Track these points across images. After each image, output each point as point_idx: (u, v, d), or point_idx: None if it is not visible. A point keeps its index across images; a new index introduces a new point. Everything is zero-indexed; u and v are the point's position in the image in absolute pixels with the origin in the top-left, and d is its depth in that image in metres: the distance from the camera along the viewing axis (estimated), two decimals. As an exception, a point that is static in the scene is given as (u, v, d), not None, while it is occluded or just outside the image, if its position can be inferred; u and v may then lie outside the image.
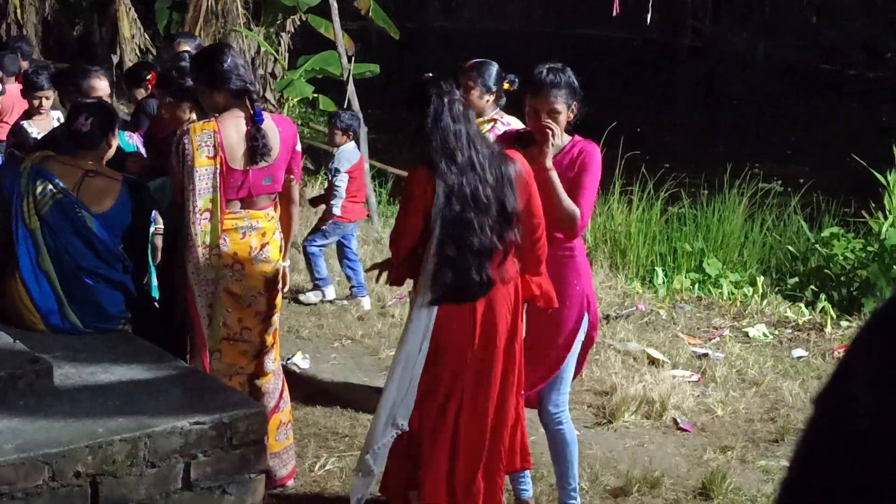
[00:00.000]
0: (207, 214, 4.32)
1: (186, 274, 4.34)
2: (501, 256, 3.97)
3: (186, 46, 6.21)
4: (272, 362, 4.61)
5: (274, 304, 4.55)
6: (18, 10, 16.32)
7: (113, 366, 4.06)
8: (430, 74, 4.16)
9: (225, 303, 4.39)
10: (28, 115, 6.31)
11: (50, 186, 4.36)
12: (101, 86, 5.38)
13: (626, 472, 5.04)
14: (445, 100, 3.94)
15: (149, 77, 5.95)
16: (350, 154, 7.43)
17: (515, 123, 5.42)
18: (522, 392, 4.21)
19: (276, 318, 4.63)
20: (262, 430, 3.79)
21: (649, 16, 8.84)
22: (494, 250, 3.93)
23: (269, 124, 4.45)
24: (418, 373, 3.99)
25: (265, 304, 4.49)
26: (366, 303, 7.32)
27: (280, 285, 4.61)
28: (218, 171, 4.31)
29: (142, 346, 4.31)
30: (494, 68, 5.60)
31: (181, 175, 4.33)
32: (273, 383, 4.62)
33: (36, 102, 6.21)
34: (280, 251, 4.58)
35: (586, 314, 4.35)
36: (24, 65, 8.76)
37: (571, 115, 4.27)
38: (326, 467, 4.97)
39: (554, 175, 4.13)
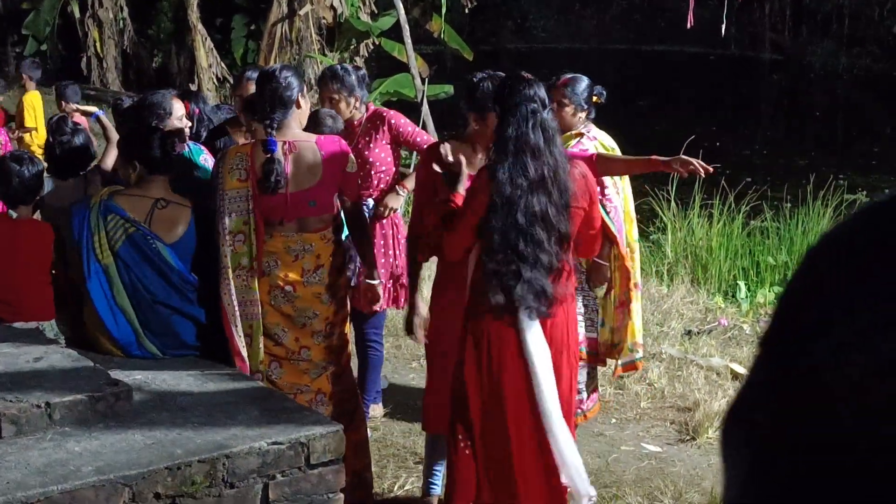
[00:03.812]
0: (241, 237, 4.34)
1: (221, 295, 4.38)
2: (559, 274, 3.96)
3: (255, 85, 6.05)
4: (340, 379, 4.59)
5: (333, 324, 4.51)
6: (98, 44, 16.70)
7: (191, 388, 4.08)
8: (525, 74, 4.05)
9: (281, 322, 4.39)
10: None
11: (121, 221, 4.36)
12: (181, 108, 5.33)
13: (710, 489, 4.92)
14: (534, 112, 3.88)
15: None
16: None
17: (602, 137, 5.33)
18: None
19: (341, 337, 4.58)
20: (340, 449, 3.76)
21: (724, 27, 8.71)
22: (555, 268, 3.92)
23: (310, 147, 4.41)
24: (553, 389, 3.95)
25: (322, 323, 4.46)
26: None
27: (347, 305, 4.58)
28: (250, 194, 4.33)
29: (219, 367, 4.33)
30: (585, 83, 5.39)
31: (217, 198, 4.38)
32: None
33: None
34: (339, 273, 4.54)
35: None
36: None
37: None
38: (406, 487, 4.94)
39: None
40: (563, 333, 4.03)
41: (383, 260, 5.38)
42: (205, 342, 4.46)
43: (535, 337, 3.91)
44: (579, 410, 5.14)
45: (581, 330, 5.16)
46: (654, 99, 23.12)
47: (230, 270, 4.33)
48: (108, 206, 4.39)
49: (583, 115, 5.34)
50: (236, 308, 4.33)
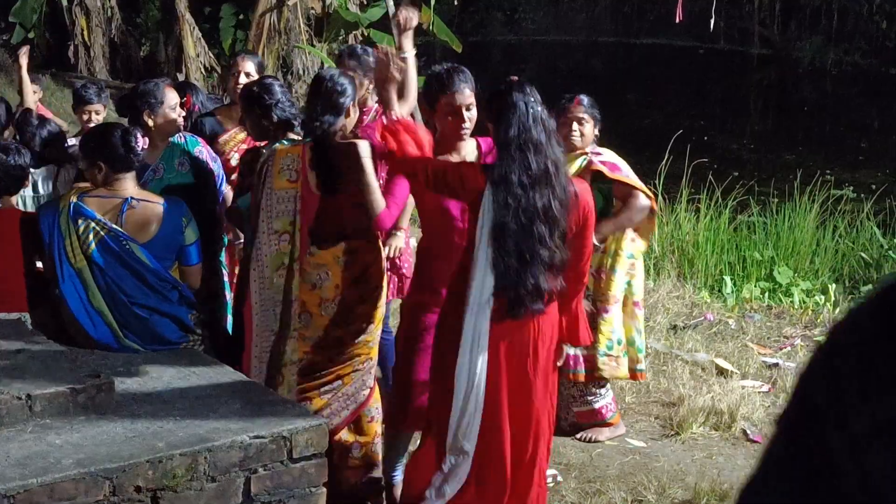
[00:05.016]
0: (287, 237, 4.36)
1: (250, 291, 4.38)
2: (558, 271, 3.94)
3: (250, 63, 6.16)
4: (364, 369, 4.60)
5: (372, 318, 4.52)
6: (85, 32, 16.60)
7: (173, 380, 4.06)
8: (515, 78, 4.07)
9: (327, 325, 4.40)
10: None
11: (93, 224, 4.29)
12: (175, 96, 5.22)
13: (694, 484, 4.93)
14: (532, 108, 3.88)
15: (184, 100, 5.80)
16: None
17: (609, 156, 5.32)
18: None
19: (373, 332, 4.57)
20: (323, 443, 3.75)
21: (713, 21, 8.70)
22: (557, 264, 3.89)
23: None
24: (482, 390, 3.92)
25: (363, 320, 4.50)
26: None
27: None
28: (299, 195, 4.33)
29: (203, 360, 4.31)
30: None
31: (260, 195, 4.36)
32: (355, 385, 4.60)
33: (86, 117, 6.20)
34: (380, 275, 4.55)
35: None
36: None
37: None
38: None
39: None
40: (548, 339, 4.02)
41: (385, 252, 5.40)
42: (191, 336, 4.44)
43: (481, 336, 3.89)
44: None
45: (578, 351, 5.25)
46: (642, 92, 23.12)
47: (268, 269, 4.35)
48: (77, 208, 4.30)
49: (597, 130, 5.35)
50: (261, 308, 4.37)
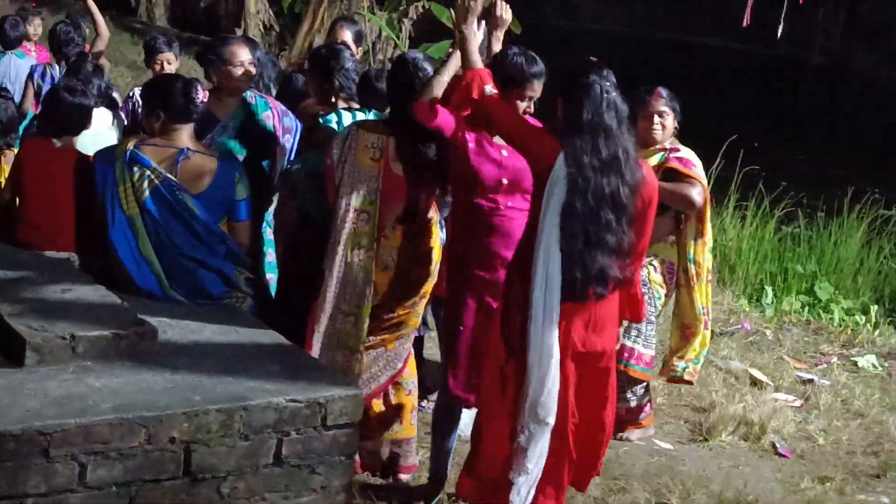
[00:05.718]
0: (366, 216, 4.32)
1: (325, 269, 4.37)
2: (625, 258, 3.92)
3: (348, 32, 6.13)
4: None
5: (423, 295, 4.55)
6: (149, -23, 16.70)
7: (214, 336, 4.06)
8: (594, 59, 4.03)
9: (389, 302, 4.43)
10: None
11: (148, 172, 4.31)
12: (243, 53, 5.14)
13: (718, 492, 4.91)
14: (607, 93, 3.85)
15: None
16: None
17: (686, 152, 5.27)
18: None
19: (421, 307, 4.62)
20: (357, 413, 3.75)
21: (780, 29, 8.57)
22: (624, 250, 3.88)
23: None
24: (556, 368, 3.89)
25: (419, 298, 4.53)
26: None
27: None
28: (381, 174, 4.32)
29: (245, 319, 4.31)
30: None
31: (341, 172, 4.33)
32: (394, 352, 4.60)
33: (157, 67, 6.22)
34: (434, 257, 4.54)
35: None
36: None
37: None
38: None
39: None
40: (609, 324, 4.02)
41: None
42: (234, 294, 4.44)
43: (553, 311, 3.86)
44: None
45: (647, 350, 5.31)
46: (696, 93, 22.92)
47: (344, 248, 4.32)
48: (134, 156, 4.33)
49: (677, 122, 5.29)
50: (334, 286, 4.33)
